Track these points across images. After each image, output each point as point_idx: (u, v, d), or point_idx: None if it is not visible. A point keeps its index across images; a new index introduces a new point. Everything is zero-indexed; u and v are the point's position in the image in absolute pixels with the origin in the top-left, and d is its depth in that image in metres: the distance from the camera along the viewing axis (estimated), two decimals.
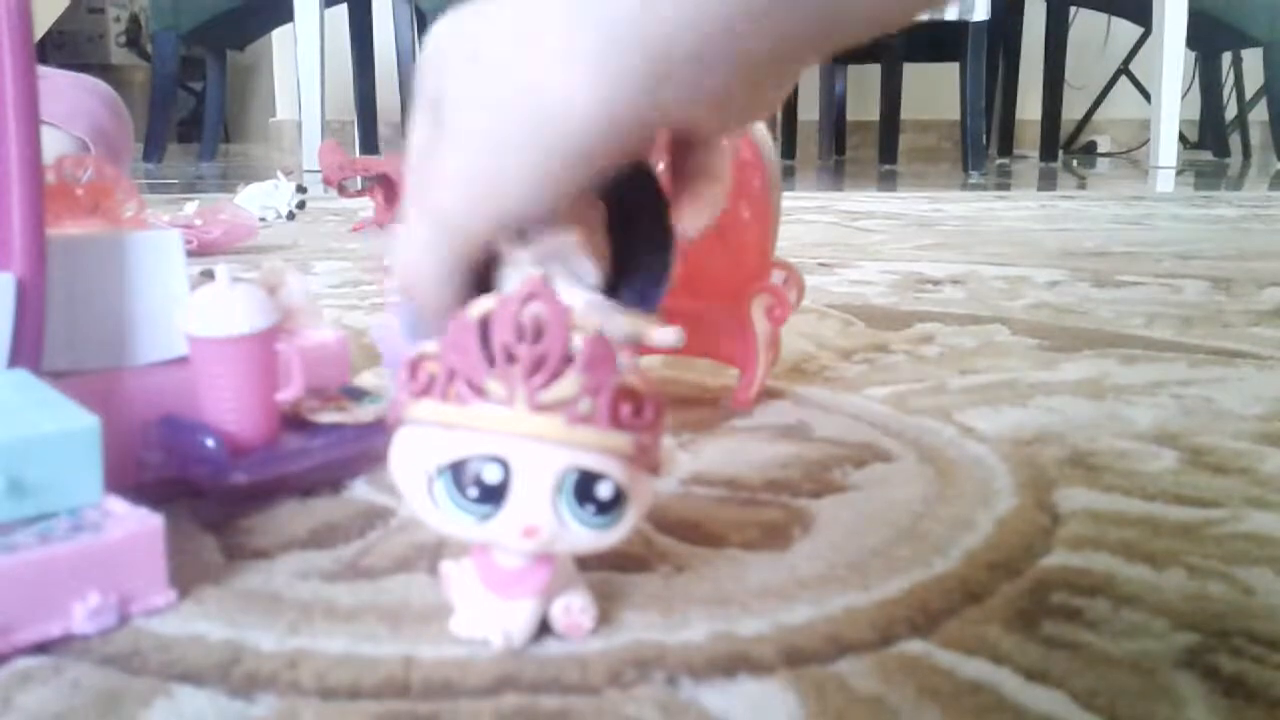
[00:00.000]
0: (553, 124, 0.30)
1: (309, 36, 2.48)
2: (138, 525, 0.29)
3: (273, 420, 0.37)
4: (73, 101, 1.23)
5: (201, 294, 0.36)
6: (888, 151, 2.79)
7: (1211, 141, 3.15)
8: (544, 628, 0.28)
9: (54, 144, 1.17)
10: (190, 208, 1.06)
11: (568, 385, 0.25)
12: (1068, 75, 3.03)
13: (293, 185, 1.35)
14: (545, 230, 0.33)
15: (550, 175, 0.30)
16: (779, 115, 2.90)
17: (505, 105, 0.30)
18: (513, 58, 0.30)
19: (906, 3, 0.31)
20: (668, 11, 0.29)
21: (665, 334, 0.33)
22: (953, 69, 2.60)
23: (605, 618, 0.28)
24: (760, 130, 0.50)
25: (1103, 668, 0.26)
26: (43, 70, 1.18)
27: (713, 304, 0.49)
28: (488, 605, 0.27)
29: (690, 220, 0.36)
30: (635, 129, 0.30)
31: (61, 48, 3.72)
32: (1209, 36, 2.79)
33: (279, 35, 3.13)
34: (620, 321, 0.32)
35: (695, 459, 0.42)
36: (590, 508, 0.26)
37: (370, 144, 2.73)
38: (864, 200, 1.77)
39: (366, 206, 1.28)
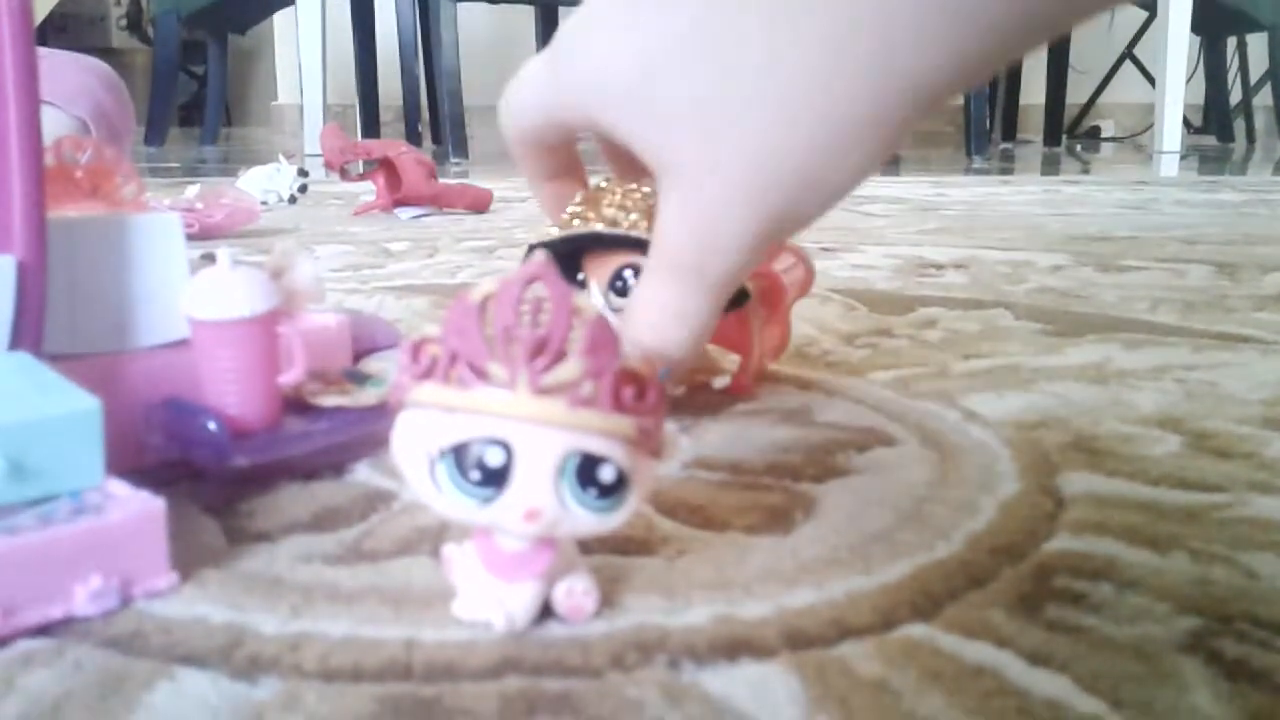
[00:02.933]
0: (814, 191, 0.30)
1: (311, 20, 2.48)
2: (139, 508, 0.29)
3: (274, 403, 0.37)
4: (73, 81, 1.22)
5: (202, 277, 0.36)
6: None
7: (1216, 126, 3.14)
8: (546, 611, 0.28)
9: (54, 124, 1.17)
10: (192, 191, 1.06)
11: (570, 368, 0.25)
12: (1072, 59, 3.02)
13: (294, 169, 1.34)
14: None
15: (812, 219, 0.31)
16: None
17: (781, 164, 0.29)
18: (772, 109, 0.28)
19: None
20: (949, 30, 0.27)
21: None
22: None
23: (607, 601, 0.28)
24: None
25: (1106, 652, 0.26)
26: (43, 50, 1.18)
27: None
28: (490, 588, 0.27)
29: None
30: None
31: (63, 30, 3.71)
32: (1214, 20, 2.78)
33: (280, 19, 3.13)
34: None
35: (697, 443, 0.42)
36: (592, 491, 0.26)
37: (372, 128, 2.72)
38: (867, 184, 1.76)
39: (368, 190, 1.28)
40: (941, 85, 0.28)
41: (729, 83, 0.28)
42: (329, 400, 0.38)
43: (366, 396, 0.39)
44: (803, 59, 0.28)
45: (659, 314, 0.32)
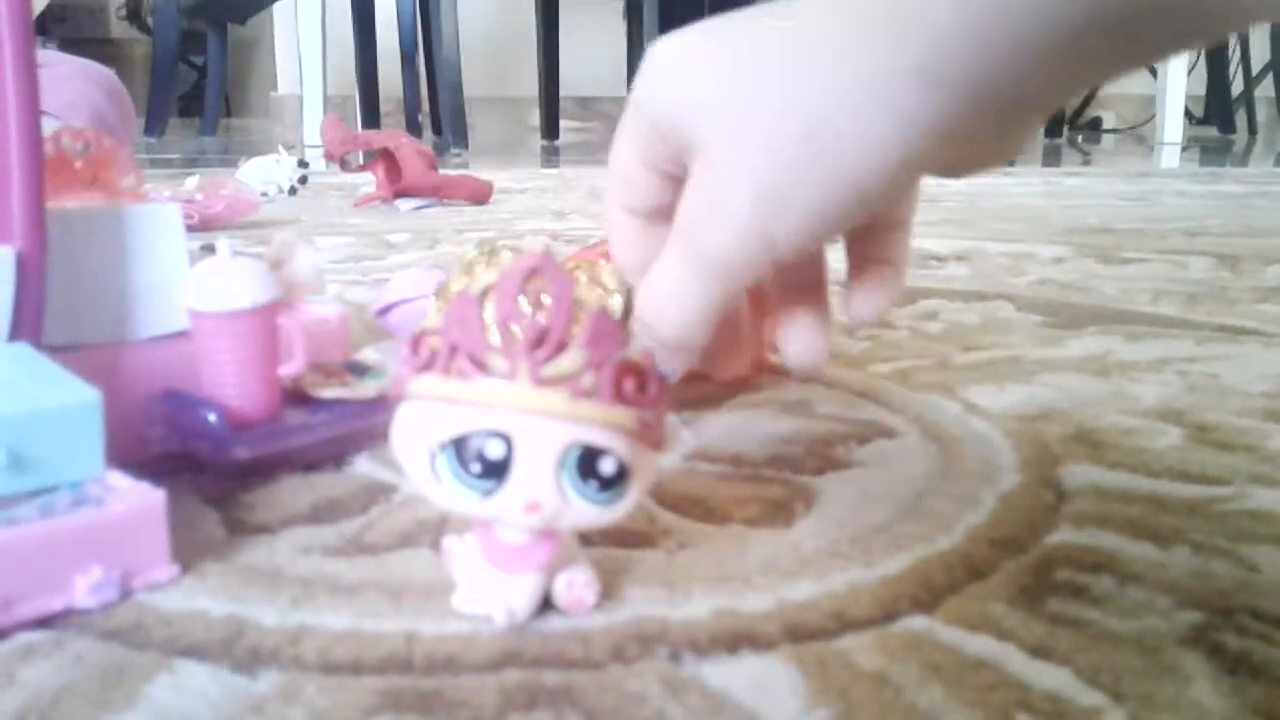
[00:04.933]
0: (834, 177, 0.28)
1: (310, 10, 2.47)
2: (139, 499, 0.29)
3: (274, 395, 0.37)
4: (73, 91, 1.22)
5: (203, 268, 0.35)
6: None
7: (1217, 118, 3.13)
8: (546, 603, 0.28)
9: None
10: (191, 182, 1.05)
11: (571, 360, 0.25)
12: None
13: (294, 160, 1.34)
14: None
15: (825, 230, 0.30)
16: None
17: (778, 152, 0.29)
18: (790, 86, 0.29)
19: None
20: (998, 33, 0.25)
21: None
22: None
23: (608, 593, 0.28)
24: None
25: (1107, 645, 0.26)
26: (44, 56, 1.17)
27: None
28: (490, 581, 0.27)
29: (865, 304, 0.35)
30: (910, 180, 0.30)
31: (62, 21, 3.70)
32: None
33: (280, 9, 3.12)
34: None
35: (698, 435, 0.42)
36: (593, 483, 0.26)
37: (372, 119, 2.72)
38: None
39: (368, 181, 1.28)
40: (960, 82, 0.27)
41: (750, 63, 0.29)
42: (328, 392, 0.38)
43: (365, 388, 0.39)
44: (815, 49, 0.28)
45: (656, 291, 0.32)
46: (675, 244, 0.31)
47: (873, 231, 0.34)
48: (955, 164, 0.30)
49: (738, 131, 0.29)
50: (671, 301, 0.31)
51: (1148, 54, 0.28)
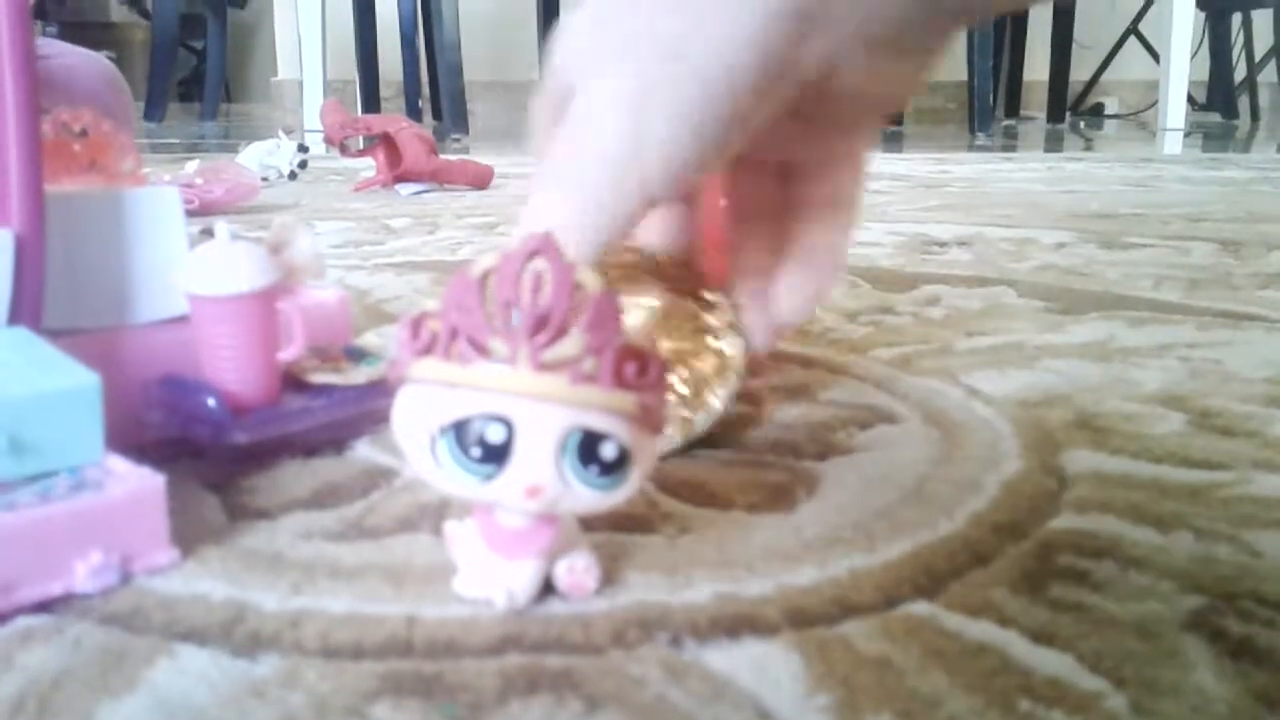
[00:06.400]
0: (699, 73, 0.27)
1: None
2: (139, 484, 0.29)
3: (274, 380, 0.37)
4: (71, 85, 1.21)
5: (201, 252, 0.35)
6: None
7: (1220, 103, 3.12)
8: (547, 588, 0.28)
9: None
10: (191, 167, 1.05)
11: (571, 344, 0.25)
12: (1076, 35, 3.00)
13: (294, 144, 1.34)
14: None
15: (698, 137, 0.28)
16: None
17: (644, 62, 0.28)
18: (648, 11, 0.28)
19: None
20: None
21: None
22: None
23: (609, 578, 0.28)
24: None
25: (1109, 630, 0.26)
26: (43, 46, 1.17)
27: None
28: (491, 565, 0.27)
29: (792, 293, 0.35)
30: (786, 76, 0.28)
31: (61, 4, 3.68)
32: None
33: None
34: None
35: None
36: (594, 468, 0.26)
37: (372, 103, 2.71)
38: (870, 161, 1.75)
39: (368, 166, 1.28)
40: None
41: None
42: (319, 378, 0.38)
43: (358, 375, 0.38)
44: None
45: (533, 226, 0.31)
46: (545, 178, 0.30)
47: (817, 165, 0.35)
48: (841, 67, 0.29)
49: (610, 58, 0.29)
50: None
51: None
